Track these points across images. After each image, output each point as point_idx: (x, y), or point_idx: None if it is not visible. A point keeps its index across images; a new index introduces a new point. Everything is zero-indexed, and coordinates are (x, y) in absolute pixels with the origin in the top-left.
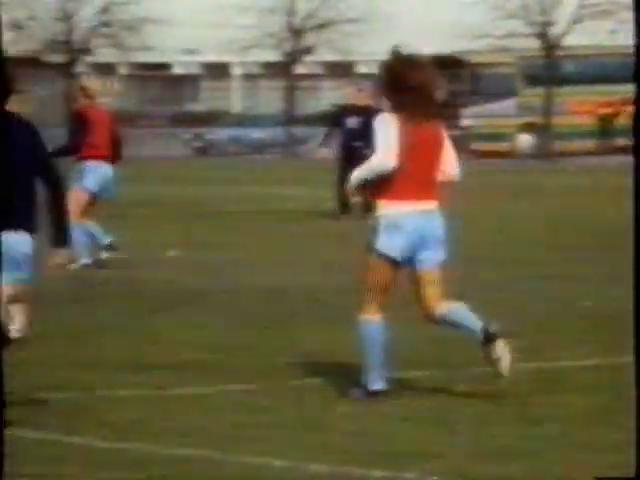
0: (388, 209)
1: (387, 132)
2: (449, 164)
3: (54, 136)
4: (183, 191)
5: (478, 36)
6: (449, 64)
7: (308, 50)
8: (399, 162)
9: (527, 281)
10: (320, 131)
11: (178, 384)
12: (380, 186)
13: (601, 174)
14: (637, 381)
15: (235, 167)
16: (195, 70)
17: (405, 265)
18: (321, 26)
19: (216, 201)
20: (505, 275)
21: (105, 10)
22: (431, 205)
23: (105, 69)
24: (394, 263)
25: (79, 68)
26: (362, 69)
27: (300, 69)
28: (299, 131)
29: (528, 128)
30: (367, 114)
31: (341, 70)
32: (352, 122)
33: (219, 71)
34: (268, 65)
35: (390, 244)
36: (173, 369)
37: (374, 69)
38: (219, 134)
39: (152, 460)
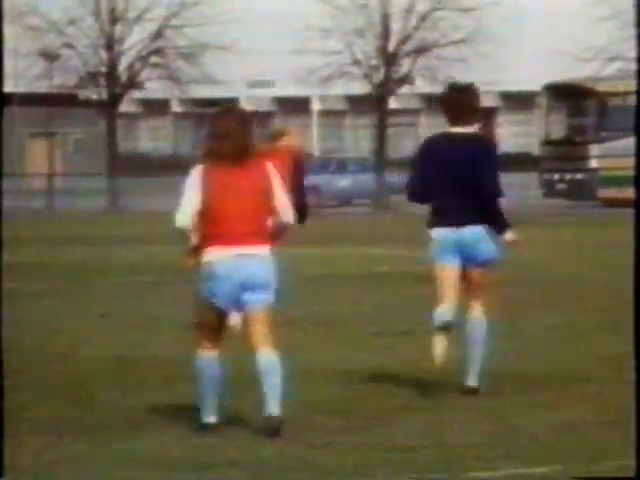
0: (207, 256)
1: (187, 188)
2: (280, 209)
3: (94, 187)
4: None
5: (607, 59)
6: (572, 93)
7: (404, 80)
8: (212, 209)
9: None
10: None
11: None
12: (202, 234)
13: None
14: (637, 381)
15: (316, 223)
16: (266, 106)
17: (232, 307)
18: (419, 50)
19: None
20: None
21: (157, 35)
22: (252, 250)
23: (156, 106)
24: (216, 307)
25: (125, 106)
26: None
27: (393, 103)
28: (392, 178)
29: None
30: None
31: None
32: None
33: (295, 107)
34: (354, 99)
35: (209, 290)
36: None
37: (483, 101)
38: None
39: None
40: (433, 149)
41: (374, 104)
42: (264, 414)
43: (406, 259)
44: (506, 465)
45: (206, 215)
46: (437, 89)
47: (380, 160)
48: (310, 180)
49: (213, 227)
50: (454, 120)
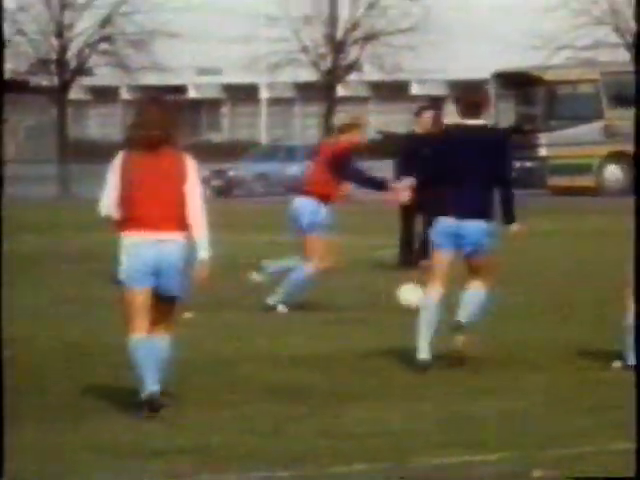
0: (124, 240)
1: (108, 176)
2: (190, 197)
3: (46, 174)
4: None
5: (556, 48)
6: (521, 82)
7: (352, 67)
8: (129, 195)
9: None
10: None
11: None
12: (121, 219)
13: None
14: (637, 381)
15: (266, 212)
16: (214, 93)
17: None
18: (367, 38)
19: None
20: None
21: (106, 22)
22: (166, 236)
23: (106, 94)
24: (136, 289)
25: (74, 93)
26: (416, 90)
27: (342, 91)
28: None
29: (617, 158)
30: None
31: (391, 91)
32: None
33: (243, 94)
34: (303, 87)
35: (126, 272)
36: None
37: (431, 89)
38: (244, 170)
39: None
40: (448, 139)
41: (322, 92)
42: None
43: (357, 248)
44: (456, 452)
45: (124, 201)
46: (385, 77)
47: None
48: (258, 168)
49: (130, 212)
50: (466, 112)
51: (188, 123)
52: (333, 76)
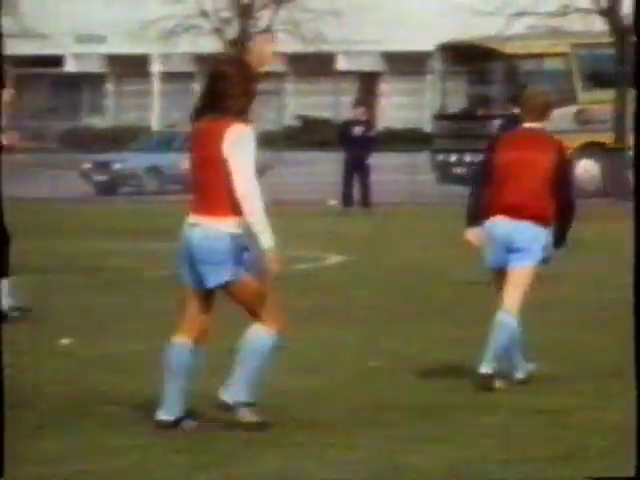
0: None
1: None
2: (235, 176)
3: None
4: (81, 248)
5: (516, 14)
6: (473, 56)
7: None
8: None
9: None
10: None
11: None
12: None
13: None
14: (637, 381)
15: (159, 214)
16: (96, 67)
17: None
18: (280, 0)
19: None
20: None
21: None
22: (204, 219)
23: None
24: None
25: None
26: (343, 64)
27: None
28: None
29: (592, 151)
30: None
31: (312, 66)
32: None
33: (131, 67)
34: (203, 59)
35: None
36: None
37: (362, 64)
38: (132, 162)
39: None
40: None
41: None
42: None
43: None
44: None
45: None
46: (305, 48)
47: None
48: (149, 160)
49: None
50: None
51: (64, 104)
52: (240, 46)
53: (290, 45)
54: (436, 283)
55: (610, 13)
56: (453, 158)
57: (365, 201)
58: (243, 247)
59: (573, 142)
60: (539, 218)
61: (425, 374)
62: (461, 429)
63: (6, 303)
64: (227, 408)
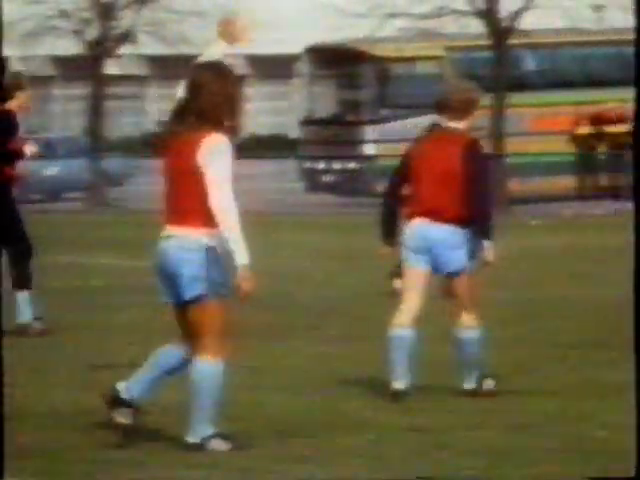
0: None
1: None
2: (211, 189)
3: None
4: None
5: (387, 15)
6: (342, 59)
7: (125, 37)
8: None
9: None
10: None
11: None
12: None
13: (582, 231)
14: (637, 381)
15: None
16: None
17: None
18: (143, 1)
19: None
20: None
21: None
22: (179, 231)
23: None
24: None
25: None
26: None
27: (112, 67)
28: (113, 164)
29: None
30: None
31: (175, 69)
32: None
33: None
34: (62, 61)
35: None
36: None
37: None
38: None
39: None
40: None
41: (87, 68)
42: None
43: (128, 270)
44: None
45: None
46: (168, 50)
47: (95, 142)
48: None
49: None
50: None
51: None
52: (101, 49)
53: (153, 47)
54: (304, 295)
55: (487, 15)
56: (321, 165)
57: None
58: (217, 260)
59: None
60: (457, 219)
61: (295, 391)
62: (332, 448)
63: (27, 315)
64: (198, 448)
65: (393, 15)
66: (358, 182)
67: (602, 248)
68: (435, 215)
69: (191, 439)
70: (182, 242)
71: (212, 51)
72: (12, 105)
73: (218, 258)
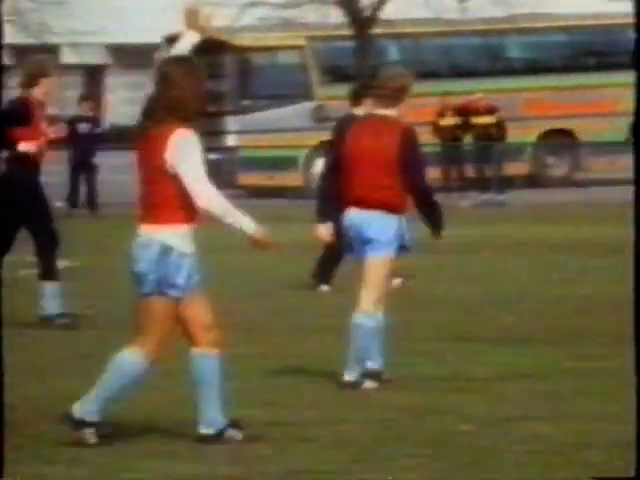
0: None
1: None
2: (187, 183)
3: None
4: None
5: (246, 4)
6: (203, 49)
7: None
8: None
9: None
10: None
11: None
12: None
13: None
14: (637, 380)
15: None
16: None
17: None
18: None
19: None
20: None
21: None
22: (144, 228)
23: None
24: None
25: None
26: (68, 57)
27: None
28: None
29: (329, 149)
30: None
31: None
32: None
33: None
34: None
35: None
36: None
37: (87, 57)
38: None
39: None
40: None
41: None
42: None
43: None
44: None
45: None
46: (31, 40)
47: None
48: None
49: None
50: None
51: None
52: None
53: (16, 36)
54: None
55: (348, 4)
56: None
57: (91, 203)
58: (173, 260)
59: (310, 140)
60: (388, 207)
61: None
62: (194, 444)
63: (54, 307)
64: (75, 423)
65: (253, 4)
66: (220, 174)
67: (466, 242)
68: (369, 202)
69: (77, 413)
70: (143, 239)
71: (183, 44)
72: (36, 92)
73: (175, 258)
